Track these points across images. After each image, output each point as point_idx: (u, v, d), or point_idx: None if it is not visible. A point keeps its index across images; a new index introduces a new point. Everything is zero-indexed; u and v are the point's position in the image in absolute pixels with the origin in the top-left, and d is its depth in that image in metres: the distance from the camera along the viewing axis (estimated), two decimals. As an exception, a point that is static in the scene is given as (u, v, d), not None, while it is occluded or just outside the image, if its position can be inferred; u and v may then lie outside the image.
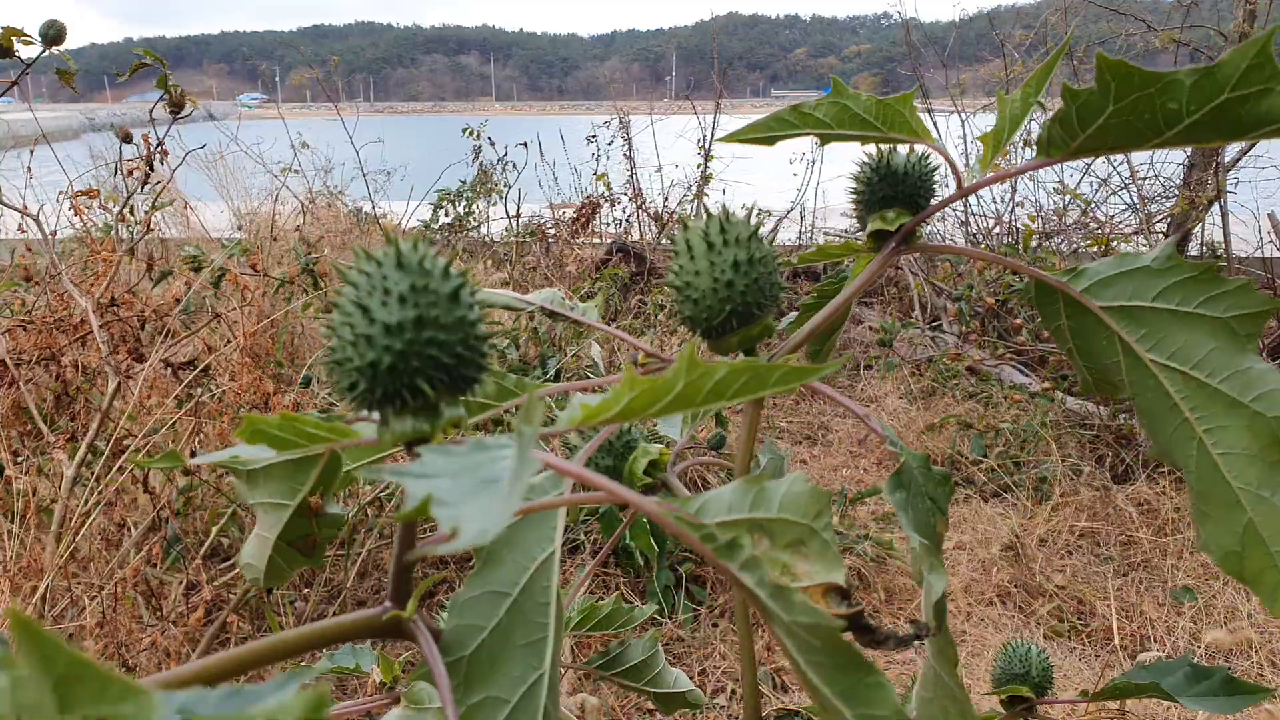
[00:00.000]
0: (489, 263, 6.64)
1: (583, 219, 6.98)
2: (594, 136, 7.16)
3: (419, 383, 0.44)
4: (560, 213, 7.09)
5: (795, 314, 0.73)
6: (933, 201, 0.64)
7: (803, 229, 6.93)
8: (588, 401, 0.42)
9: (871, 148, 0.64)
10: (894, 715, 0.36)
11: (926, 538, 0.53)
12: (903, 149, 0.65)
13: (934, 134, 0.60)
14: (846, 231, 6.95)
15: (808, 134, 0.59)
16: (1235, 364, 0.50)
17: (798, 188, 6.93)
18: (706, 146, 6.72)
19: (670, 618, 2.87)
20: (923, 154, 0.64)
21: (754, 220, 0.61)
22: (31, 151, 3.39)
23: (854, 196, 0.66)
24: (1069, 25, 6.09)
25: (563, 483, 0.55)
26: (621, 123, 7.16)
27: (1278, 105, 0.46)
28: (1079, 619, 2.80)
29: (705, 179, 6.71)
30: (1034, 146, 0.55)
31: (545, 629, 0.47)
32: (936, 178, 0.66)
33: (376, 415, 0.48)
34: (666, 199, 6.97)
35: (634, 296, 5.75)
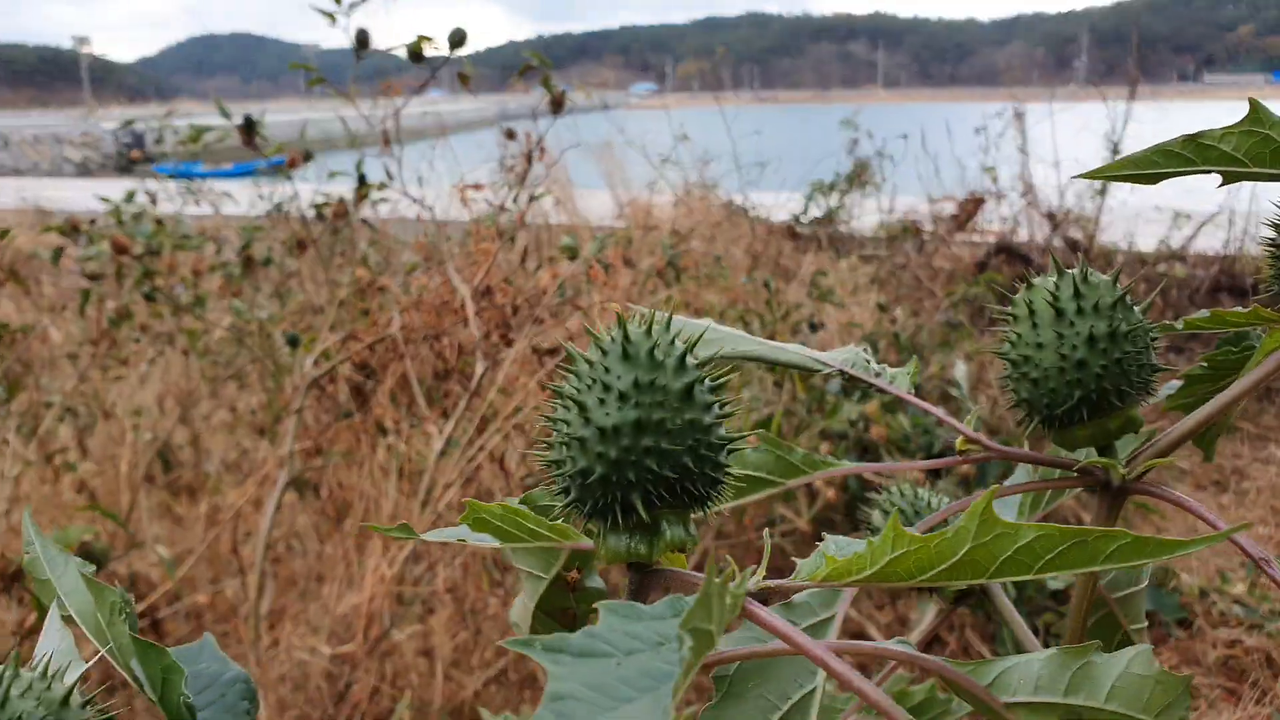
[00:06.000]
0: (855, 258, 6.40)
1: (964, 215, 6.49)
2: (984, 127, 6.61)
3: (633, 498, 0.39)
4: (938, 208, 6.67)
5: (1177, 384, 0.62)
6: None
7: (1230, 237, 5.89)
8: (833, 554, 0.36)
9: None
10: None
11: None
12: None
13: None
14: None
15: (1208, 171, 0.48)
16: None
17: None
18: (1117, 140, 5.91)
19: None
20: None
21: (1120, 283, 0.49)
22: (447, 141, 3.79)
23: (1271, 249, 0.52)
24: None
25: (836, 603, 0.47)
26: (1016, 113, 6.53)
27: None
28: None
29: (1112, 176, 5.86)
30: None
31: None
32: None
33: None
34: (1063, 196, 6.22)
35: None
